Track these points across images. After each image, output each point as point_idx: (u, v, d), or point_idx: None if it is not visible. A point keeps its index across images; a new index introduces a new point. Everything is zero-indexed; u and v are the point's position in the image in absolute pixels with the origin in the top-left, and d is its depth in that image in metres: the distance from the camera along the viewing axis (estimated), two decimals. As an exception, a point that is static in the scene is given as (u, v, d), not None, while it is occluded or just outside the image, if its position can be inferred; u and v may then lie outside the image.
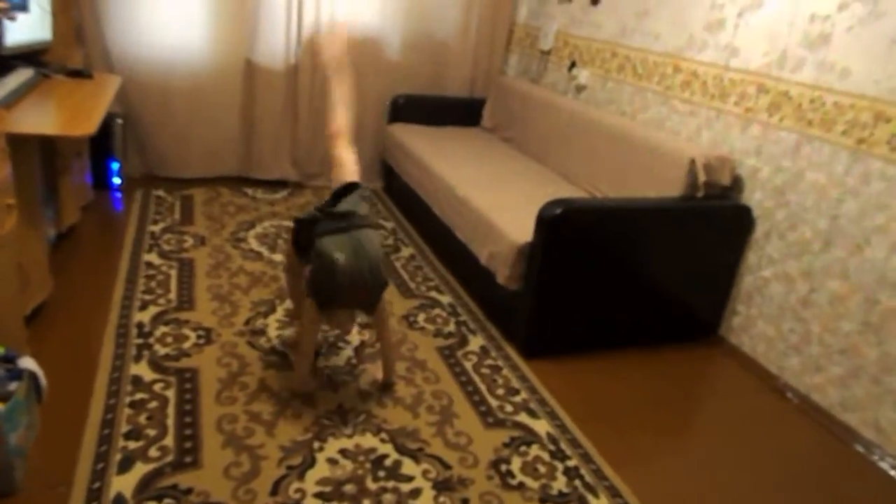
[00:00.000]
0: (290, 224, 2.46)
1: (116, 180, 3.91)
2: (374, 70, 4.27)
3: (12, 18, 2.48)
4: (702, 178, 2.74)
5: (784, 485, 2.17)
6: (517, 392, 2.42)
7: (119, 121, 3.81)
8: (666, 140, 2.98)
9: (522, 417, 2.28)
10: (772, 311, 2.75)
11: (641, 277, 2.72)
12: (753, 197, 2.82)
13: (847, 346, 2.45)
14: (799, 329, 2.64)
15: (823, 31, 2.52)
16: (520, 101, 4.10)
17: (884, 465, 2.32)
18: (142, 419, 2.04)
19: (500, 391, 2.41)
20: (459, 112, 4.49)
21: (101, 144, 3.75)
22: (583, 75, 3.91)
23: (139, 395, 2.14)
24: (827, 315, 2.52)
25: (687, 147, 2.86)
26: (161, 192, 3.92)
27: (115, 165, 3.88)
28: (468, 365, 2.55)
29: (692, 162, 2.74)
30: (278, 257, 3.26)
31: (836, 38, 2.48)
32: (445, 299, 3.05)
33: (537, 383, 2.49)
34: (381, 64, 4.29)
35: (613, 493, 1.99)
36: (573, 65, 4.01)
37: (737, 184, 2.88)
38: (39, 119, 2.41)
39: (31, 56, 2.94)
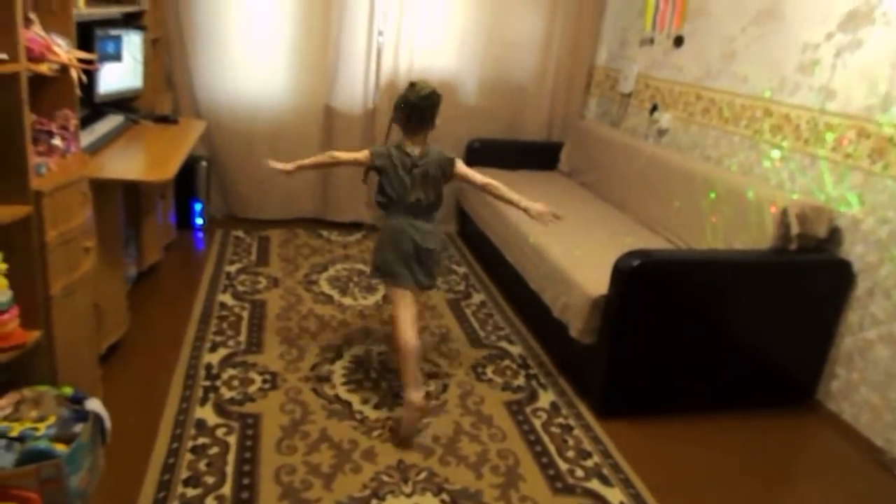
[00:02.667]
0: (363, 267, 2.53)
1: (199, 220, 4.03)
2: (450, 114, 4.26)
3: (97, 69, 2.59)
4: (795, 229, 2.54)
5: (894, 578, 1.92)
6: (589, 455, 2.26)
7: (203, 163, 3.94)
8: (755, 187, 2.80)
9: (594, 484, 2.12)
10: (877, 376, 2.49)
11: (727, 335, 2.53)
12: (854, 250, 2.59)
13: (967, 421, 2.18)
14: (909, 398, 2.37)
15: (934, 72, 2.32)
16: (599, 144, 3.99)
17: None
18: (202, 465, 2.01)
19: (571, 453, 2.26)
20: (536, 156, 4.41)
21: (186, 185, 3.88)
22: (665, 119, 3.77)
23: (201, 440, 2.13)
24: (942, 384, 2.26)
25: (778, 195, 2.67)
26: (240, 233, 4.00)
27: (199, 206, 4.00)
28: (537, 423, 2.42)
29: (784, 211, 2.55)
30: (348, 301, 3.24)
31: (948, 79, 2.27)
32: (516, 350, 2.93)
33: (611, 446, 2.32)
34: (457, 108, 4.28)
35: (694, 576, 1.81)
36: (655, 108, 3.88)
37: (834, 236, 2.66)
38: (123, 164, 2.50)
39: (122, 103, 3.08)
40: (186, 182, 3.87)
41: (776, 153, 2.99)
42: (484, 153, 4.26)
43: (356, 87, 4.04)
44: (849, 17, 2.64)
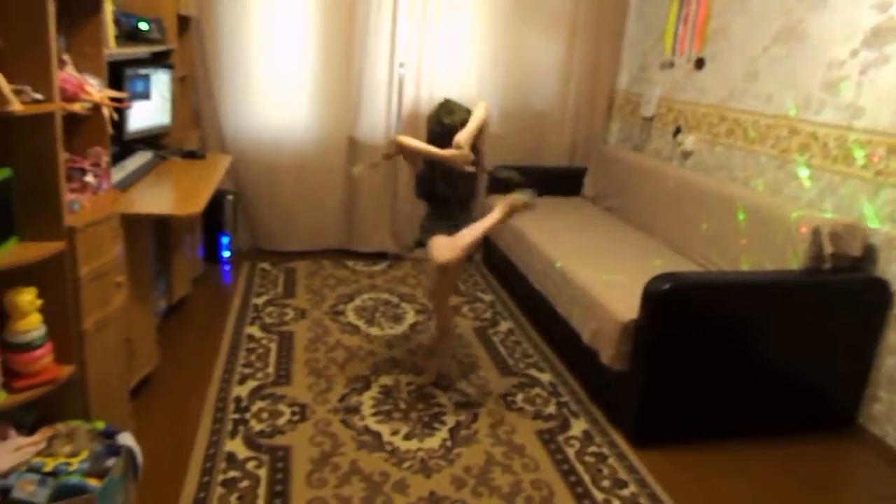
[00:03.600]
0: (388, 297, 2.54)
1: (226, 253, 4.06)
2: (472, 142, 4.29)
3: (128, 107, 2.65)
4: (828, 248, 2.50)
5: None
6: (625, 485, 2.21)
7: (230, 197, 3.99)
8: (784, 207, 2.76)
9: (630, 513, 2.07)
10: (920, 398, 2.42)
11: (763, 359, 2.47)
12: (890, 269, 2.53)
13: None
14: (956, 421, 2.29)
15: (965, 85, 2.28)
16: (622, 169, 3.98)
17: None
18: (233, 499, 2.00)
19: (606, 483, 2.21)
20: (559, 181, 4.40)
21: (213, 219, 3.93)
22: (689, 141, 3.74)
23: (232, 474, 2.11)
24: None
25: (809, 214, 2.63)
26: (266, 265, 4.03)
27: (226, 239, 4.04)
28: (570, 452, 2.37)
29: (816, 231, 2.51)
30: (375, 331, 3.23)
31: (981, 92, 2.23)
32: (546, 378, 2.89)
33: (647, 475, 2.27)
34: (479, 136, 4.29)
35: None
36: (678, 130, 3.86)
37: (869, 254, 2.60)
38: (153, 199, 2.53)
39: (151, 140, 3.14)
40: (213, 216, 3.91)
41: (804, 172, 2.95)
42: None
43: (379, 119, 4.09)
44: (873, 33, 2.62)
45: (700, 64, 3.68)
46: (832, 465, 2.47)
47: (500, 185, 4.24)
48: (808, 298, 2.49)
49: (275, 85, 3.97)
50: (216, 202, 3.89)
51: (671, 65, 3.97)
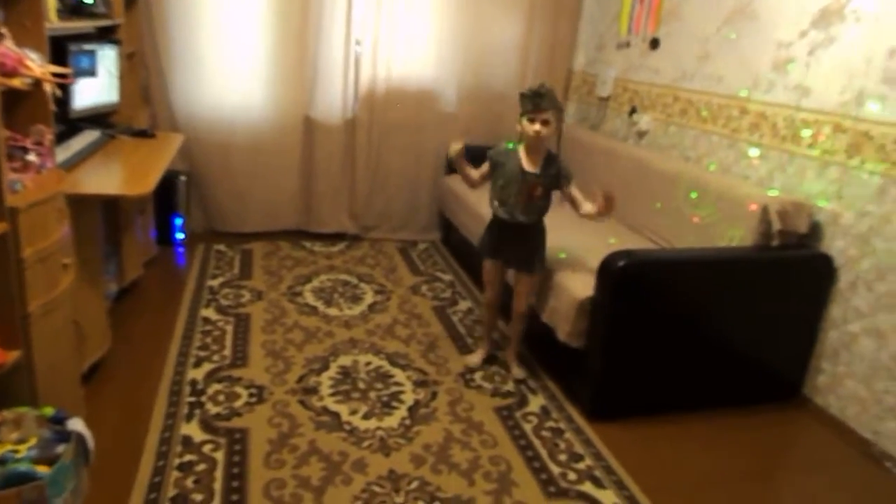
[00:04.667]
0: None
1: (180, 235, 3.98)
2: (431, 122, 4.27)
3: (72, 83, 2.55)
4: (776, 225, 2.56)
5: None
6: (581, 458, 2.26)
7: (182, 178, 3.90)
8: (735, 186, 2.82)
9: (587, 487, 2.11)
10: (862, 369, 2.51)
11: (714, 333, 2.54)
12: (834, 245, 2.62)
13: (952, 410, 2.20)
14: (895, 390, 2.39)
15: (906, 66, 2.35)
16: (578, 148, 4.00)
17: None
18: (189, 482, 1.98)
19: (563, 457, 2.25)
20: (517, 161, 4.41)
21: (166, 200, 3.84)
22: (644, 121, 3.79)
23: (188, 457, 2.09)
24: (926, 374, 2.28)
25: (758, 192, 2.70)
26: (222, 247, 3.96)
27: (179, 221, 3.96)
28: (528, 427, 2.40)
29: (765, 209, 2.58)
30: (333, 311, 3.21)
31: (921, 73, 2.30)
32: (504, 355, 2.92)
33: (603, 448, 2.32)
34: (437, 116, 4.28)
35: (690, 575, 1.80)
36: (633, 110, 3.91)
37: (815, 231, 2.68)
38: (100, 179, 2.46)
39: (98, 118, 3.04)
40: (166, 197, 3.82)
41: (754, 151, 3.01)
42: (467, 160, 4.25)
43: (335, 98, 4.03)
44: (821, 14, 2.68)
45: (655, 44, 3.72)
46: (778, 434, 2.56)
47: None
48: (758, 274, 2.56)
49: (228, 62, 3.87)
50: (169, 183, 3.80)
51: (627, 45, 4.01)
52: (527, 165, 2.55)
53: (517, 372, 2.75)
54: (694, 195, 2.95)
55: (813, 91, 2.72)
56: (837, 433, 2.57)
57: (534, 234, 2.64)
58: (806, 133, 2.74)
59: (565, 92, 4.59)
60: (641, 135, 3.84)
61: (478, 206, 3.62)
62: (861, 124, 2.51)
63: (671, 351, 2.51)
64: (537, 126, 2.45)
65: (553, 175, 2.56)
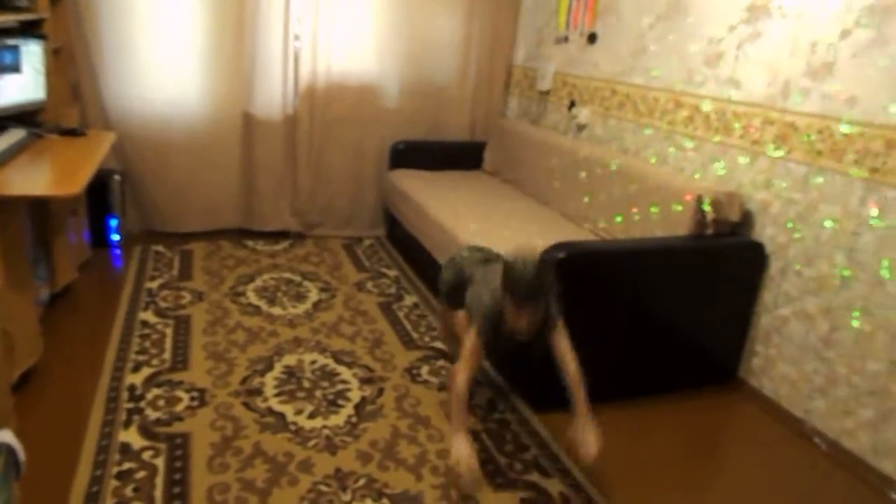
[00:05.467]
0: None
1: (115, 237, 3.85)
2: (373, 117, 4.25)
3: None
4: (710, 214, 2.64)
5: (818, 542, 2.01)
6: (527, 448, 2.29)
7: (117, 177, 3.78)
8: (671, 177, 2.90)
9: (534, 477, 2.14)
10: (792, 351, 2.62)
11: (653, 321, 2.61)
12: (765, 233, 2.72)
13: (876, 388, 2.31)
14: (823, 370, 2.50)
15: (826, 59, 2.45)
16: (520, 142, 4.05)
17: (924, 516, 2.16)
18: (128, 491, 1.92)
19: (510, 447, 2.28)
20: (460, 156, 4.44)
21: (100, 201, 3.71)
22: (583, 114, 3.85)
23: (127, 465, 2.03)
24: (852, 354, 2.39)
25: (693, 183, 2.77)
26: (160, 248, 3.86)
27: (114, 222, 3.83)
28: (474, 420, 2.42)
29: (699, 199, 2.65)
30: (277, 311, 3.17)
31: (840, 65, 2.40)
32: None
33: (548, 438, 2.35)
34: (379, 111, 4.26)
35: (633, 557, 1.85)
36: (573, 104, 3.96)
37: (747, 220, 2.78)
38: (26, 179, 2.36)
39: (24, 116, 2.91)
40: (100, 197, 3.70)
41: (689, 143, 3.10)
42: (408, 155, 4.26)
43: (274, 93, 3.96)
44: (748, 10, 2.77)
45: (592, 39, 3.78)
46: (716, 416, 2.65)
47: (401, 159, 4.24)
48: (693, 262, 2.63)
49: (162, 57, 3.76)
50: (102, 183, 3.68)
51: (565, 39, 4.06)
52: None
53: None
54: (632, 186, 3.01)
55: (743, 84, 2.81)
56: (771, 413, 2.67)
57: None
58: (737, 125, 2.83)
59: (507, 86, 4.63)
60: (581, 128, 3.90)
61: (422, 201, 3.63)
62: (787, 116, 2.61)
63: (613, 339, 2.56)
64: (523, 321, 1.97)
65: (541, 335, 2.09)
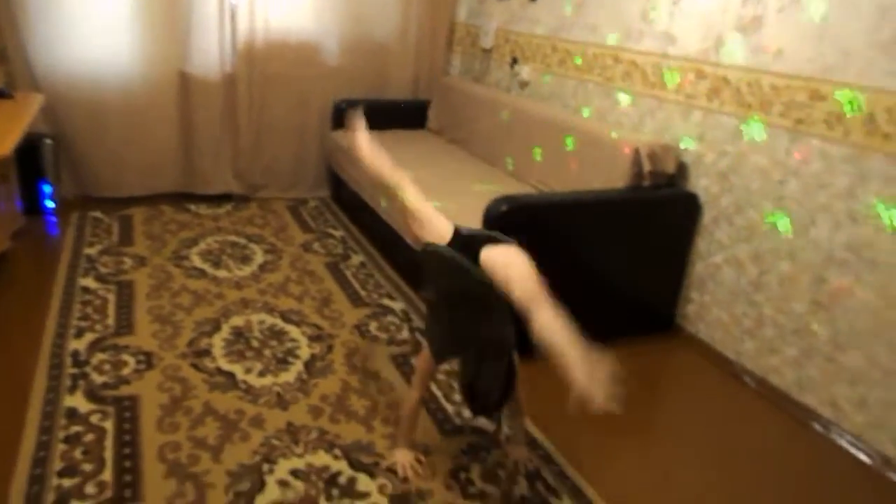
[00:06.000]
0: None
1: (49, 203, 3.73)
2: (313, 75, 4.18)
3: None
4: (647, 167, 2.73)
5: (747, 471, 2.15)
6: (474, 396, 2.36)
7: (48, 141, 3.64)
8: (610, 131, 2.96)
9: (480, 422, 2.22)
10: (724, 296, 2.75)
11: (594, 271, 2.69)
12: (699, 183, 2.82)
13: (799, 327, 2.46)
14: (752, 313, 2.64)
15: (756, 13, 2.53)
16: (464, 100, 4.06)
17: (843, 443, 2.32)
18: (77, 454, 1.91)
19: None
20: (404, 115, 4.42)
21: (31, 167, 3.58)
22: (525, 71, 3.88)
23: (74, 429, 2.02)
24: (778, 297, 2.53)
25: (630, 137, 2.85)
26: (98, 214, 3.76)
27: (48, 188, 3.70)
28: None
29: (636, 151, 2.73)
30: (223, 273, 3.14)
31: (768, 20, 2.49)
32: (398, 306, 2.98)
33: (494, 386, 2.43)
34: (320, 69, 4.19)
35: (576, 493, 1.95)
36: (515, 61, 3.98)
37: (682, 171, 2.87)
38: (-50, 143, 2.27)
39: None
40: (31, 163, 3.56)
41: (627, 98, 3.17)
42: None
43: (211, 52, 3.86)
44: (682, -35, 2.82)
45: (532, -5, 3.79)
46: (655, 360, 2.77)
47: (344, 119, 4.19)
48: (631, 213, 2.72)
49: (92, 13, 3.58)
50: (33, 147, 3.54)
51: (506, -4, 4.05)
52: None
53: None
54: (572, 142, 3.07)
55: (677, 39, 2.88)
56: (706, 356, 2.82)
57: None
58: (672, 79, 2.91)
59: (449, 43, 4.61)
60: (523, 85, 3.93)
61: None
62: (719, 69, 2.69)
63: (555, 290, 2.63)
64: None
65: None
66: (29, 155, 3.52)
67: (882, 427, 2.22)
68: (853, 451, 2.29)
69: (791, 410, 2.48)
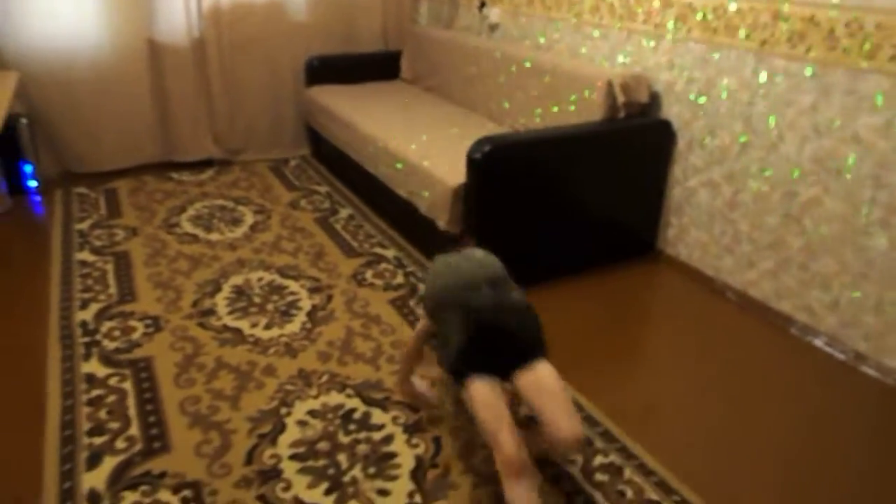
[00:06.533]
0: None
1: (32, 183, 3.74)
2: (282, 34, 4.17)
3: None
4: (620, 98, 2.80)
5: (734, 377, 2.31)
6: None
7: (24, 120, 3.62)
8: (582, 66, 3.03)
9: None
10: (702, 217, 2.87)
11: (577, 204, 2.80)
12: (672, 111, 2.91)
13: (774, 240, 2.59)
14: (729, 230, 2.76)
15: (717, -62, 2.58)
16: (435, 48, 4.08)
17: (818, 343, 2.49)
18: (102, 414, 2.01)
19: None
20: (377, 67, 4.43)
21: (10, 147, 3.57)
22: (493, 14, 3.90)
23: (95, 392, 2.11)
24: (753, 213, 2.65)
25: (603, 70, 2.91)
26: (83, 189, 3.77)
27: (29, 168, 3.71)
28: (421, 313, 2.59)
29: (609, 84, 2.80)
30: (215, 236, 3.21)
31: (729, -56, 2.54)
32: (390, 253, 3.07)
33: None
34: (289, 26, 4.18)
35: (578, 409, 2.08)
36: (483, 5, 4.00)
37: (655, 100, 2.96)
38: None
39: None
40: (9, 144, 3.55)
41: (597, 32, 3.22)
42: (325, 70, 4.23)
43: (177, 17, 3.82)
44: None
45: (495, -65, 3.78)
46: (640, 284, 2.91)
47: (317, 76, 4.21)
48: (609, 145, 2.81)
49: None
50: (9, 128, 3.52)
51: (469, -62, 4.04)
52: None
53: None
54: (547, 80, 3.13)
55: (642, -31, 2.92)
56: (687, 276, 2.96)
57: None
58: (639, 10, 2.96)
59: (415, -9, 4.59)
60: (493, 28, 3.96)
61: (347, 115, 3.66)
62: (684, -3, 2.75)
63: (540, 224, 2.75)
64: None
65: None
66: (6, 136, 3.51)
67: (854, 325, 2.38)
68: (828, 349, 2.45)
69: (770, 319, 2.64)
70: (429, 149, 2.98)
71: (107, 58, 3.79)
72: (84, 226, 3.31)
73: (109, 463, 1.82)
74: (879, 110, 2.17)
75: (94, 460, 1.83)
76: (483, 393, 1.60)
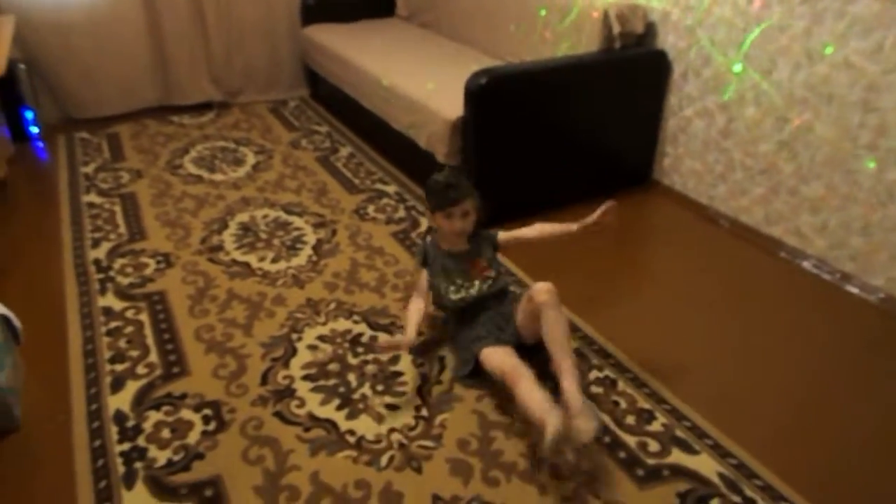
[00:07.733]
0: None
1: (34, 129, 3.77)
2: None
3: None
4: (616, 28, 2.82)
5: (728, 300, 2.40)
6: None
7: (22, 66, 3.63)
8: (578, -3, 3.02)
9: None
10: (696, 146, 2.92)
11: (573, 135, 2.84)
12: (667, 41, 2.92)
13: (766, 166, 2.65)
14: (722, 159, 2.82)
15: None
16: (431, -17, 4.04)
17: (807, 265, 2.57)
18: (122, 343, 2.12)
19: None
20: (372, 4, 4.40)
21: (11, 94, 3.59)
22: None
23: (113, 324, 2.21)
24: (746, 141, 2.70)
25: (599, 1, 2.91)
26: (84, 134, 3.81)
27: (30, 114, 3.74)
28: (421, 243, 2.67)
29: (605, 14, 2.81)
30: (219, 177, 3.27)
31: None
32: (391, 189, 3.14)
33: (490, 249, 2.63)
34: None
35: (583, 337, 2.18)
36: (478, -64, 3.94)
37: (650, 30, 2.97)
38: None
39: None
40: (9, 90, 3.57)
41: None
42: (320, 9, 4.20)
43: (171, -44, 3.80)
44: None
45: None
46: (636, 212, 2.98)
47: (313, 15, 4.19)
48: (605, 75, 2.84)
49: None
50: (8, 74, 3.53)
51: None
52: (452, 247, 2.08)
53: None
54: (543, 12, 3.13)
55: None
56: (683, 205, 3.02)
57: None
58: (635, -62, 2.94)
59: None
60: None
61: (344, 52, 3.66)
62: (680, -78, 2.74)
63: (538, 155, 2.80)
64: (457, 223, 1.97)
65: (482, 244, 2.11)
66: (5, 82, 3.52)
67: (841, 247, 2.46)
68: (816, 271, 2.54)
69: (762, 244, 2.72)
70: (427, 83, 3.01)
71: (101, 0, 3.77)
72: (89, 169, 3.37)
73: (132, 387, 1.93)
74: (870, 33, 2.20)
75: (117, 384, 1.94)
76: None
